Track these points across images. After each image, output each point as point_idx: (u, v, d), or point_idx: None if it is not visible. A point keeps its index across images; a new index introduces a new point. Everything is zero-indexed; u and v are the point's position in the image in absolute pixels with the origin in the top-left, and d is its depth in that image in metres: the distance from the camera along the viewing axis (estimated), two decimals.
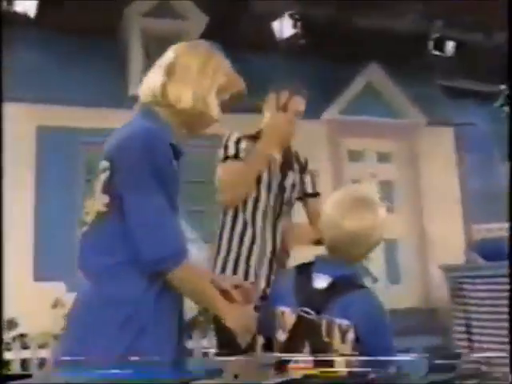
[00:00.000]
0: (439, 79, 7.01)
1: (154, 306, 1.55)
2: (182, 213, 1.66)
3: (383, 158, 6.45)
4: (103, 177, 1.60)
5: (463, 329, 4.29)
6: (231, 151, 2.47)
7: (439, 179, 6.40)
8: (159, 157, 1.56)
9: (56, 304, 4.47)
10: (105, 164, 1.61)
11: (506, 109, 7.29)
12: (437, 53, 6.33)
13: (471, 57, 6.60)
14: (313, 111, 6.01)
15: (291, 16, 5.52)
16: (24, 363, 4.17)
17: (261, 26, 5.54)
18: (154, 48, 5.39)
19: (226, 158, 2.47)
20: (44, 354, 4.17)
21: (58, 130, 5.05)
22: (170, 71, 1.70)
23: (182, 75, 1.69)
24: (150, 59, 5.36)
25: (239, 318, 1.65)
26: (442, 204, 6.34)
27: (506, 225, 5.98)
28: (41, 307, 4.42)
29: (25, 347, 4.19)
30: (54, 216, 4.91)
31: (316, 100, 6.10)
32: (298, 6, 5.53)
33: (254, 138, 2.51)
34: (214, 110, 1.73)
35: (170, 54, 1.74)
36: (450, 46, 6.33)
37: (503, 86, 7.30)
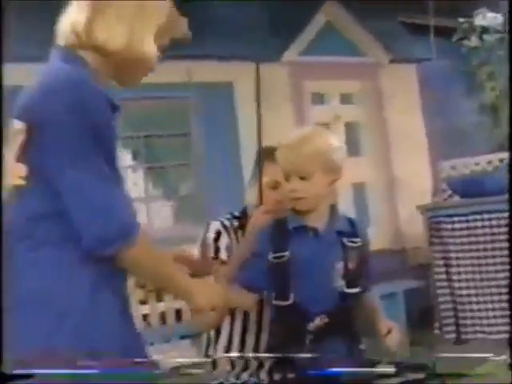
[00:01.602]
0: (399, 15, 6.83)
1: (90, 298, 1.28)
2: (138, 170, 1.39)
3: (346, 99, 6.26)
4: (16, 142, 1.28)
5: (442, 269, 4.20)
6: (210, 251, 2.09)
7: (404, 117, 6.27)
8: (94, 111, 1.25)
9: None
10: (18, 125, 1.29)
11: (466, 42, 7.17)
12: None
13: None
14: (272, 53, 5.85)
15: None
16: None
17: None
18: None
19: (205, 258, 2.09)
20: None
21: None
22: (97, 7, 1.38)
23: (114, 11, 1.39)
24: None
25: (208, 295, 1.41)
26: (407, 143, 6.23)
27: (472, 160, 5.96)
28: None
29: None
30: None
31: (275, 42, 5.86)
32: None
33: (239, 220, 2.17)
34: (152, 54, 1.44)
35: None
36: None
37: (461, 20, 7.15)
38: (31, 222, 1.26)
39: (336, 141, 1.94)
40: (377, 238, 5.82)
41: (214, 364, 2.12)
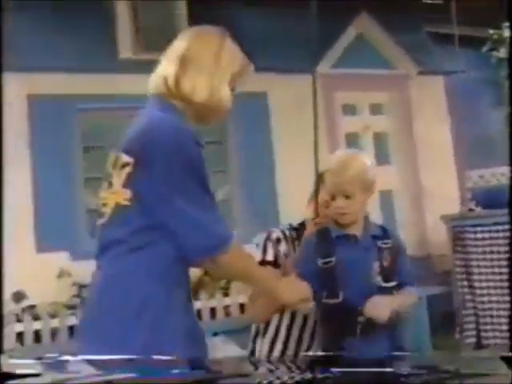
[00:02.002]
0: (427, 26, 6.95)
1: (168, 299, 1.56)
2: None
3: (376, 109, 6.42)
4: (125, 171, 1.58)
5: (464, 276, 4.38)
6: (269, 256, 2.30)
7: (432, 128, 6.41)
8: (192, 151, 1.57)
9: (61, 274, 4.47)
10: (126, 159, 1.59)
11: (495, 53, 7.26)
12: (426, 0, 6.27)
13: (459, 1, 6.53)
14: (305, 65, 6.02)
15: None
16: (36, 334, 4.19)
17: None
18: (141, 9, 5.25)
19: (263, 261, 2.29)
20: (55, 323, 4.20)
21: (49, 98, 4.93)
22: (182, 62, 1.67)
23: (196, 67, 1.66)
24: (137, 21, 5.22)
25: (294, 291, 1.68)
26: (435, 153, 6.37)
27: (499, 170, 6.07)
28: (46, 278, 4.42)
29: (36, 318, 4.20)
30: (53, 186, 4.85)
31: (308, 54, 6.04)
32: None
33: (297, 231, 2.39)
34: (228, 100, 1.72)
35: (180, 44, 1.70)
36: None
37: (491, 31, 7.24)
38: (128, 232, 1.55)
39: (369, 160, 2.29)
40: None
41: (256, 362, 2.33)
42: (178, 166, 1.54)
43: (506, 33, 7.40)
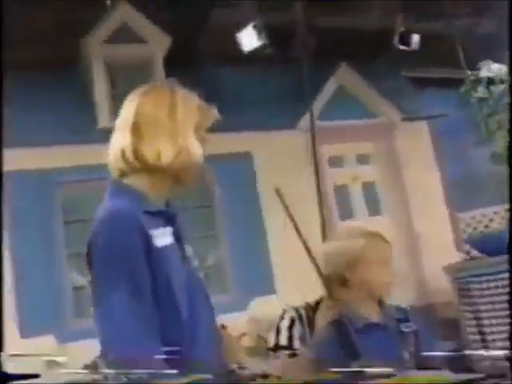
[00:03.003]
0: (405, 71, 6.99)
1: None
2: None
3: (363, 159, 6.35)
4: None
5: (475, 329, 4.20)
6: (283, 340, 2.09)
7: (420, 174, 6.34)
8: (121, 245, 1.35)
9: (49, 365, 4.20)
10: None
11: (474, 93, 7.30)
12: (403, 47, 6.29)
13: (434, 46, 6.59)
14: (288, 121, 5.98)
15: (255, 27, 5.36)
16: None
17: (225, 39, 5.38)
18: (118, 75, 5.18)
19: (276, 346, 2.10)
20: None
21: (29, 173, 4.79)
22: (136, 130, 1.47)
23: (153, 130, 1.47)
24: (115, 88, 5.14)
25: None
26: (426, 198, 6.28)
27: (491, 209, 5.98)
28: (34, 366, 4.15)
29: None
30: (35, 264, 4.64)
31: (290, 109, 6.01)
32: (261, 15, 5.39)
33: (314, 310, 2.15)
34: (198, 153, 1.52)
35: (129, 111, 1.50)
36: (415, 38, 6.30)
37: (468, 72, 7.30)
38: None
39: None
40: (402, 295, 5.83)
41: None
42: (102, 262, 1.35)
43: (482, 73, 7.48)
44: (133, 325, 1.32)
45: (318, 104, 6.02)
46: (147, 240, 1.37)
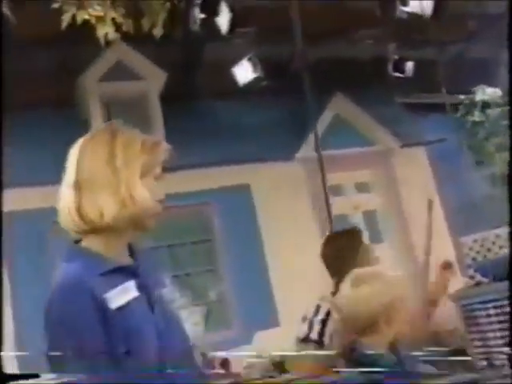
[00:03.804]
0: (400, 98, 7.04)
1: None
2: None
3: (362, 188, 6.35)
4: None
5: (485, 356, 4.12)
6: (314, 334, 2.10)
7: (421, 199, 6.32)
8: (71, 314, 1.30)
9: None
10: None
11: (470, 117, 7.35)
12: (397, 74, 6.34)
13: (428, 72, 6.65)
14: (286, 152, 5.99)
15: (250, 60, 5.40)
16: None
17: (220, 74, 5.42)
18: (114, 113, 5.20)
19: (307, 338, 2.12)
20: None
21: (28, 213, 4.77)
22: (77, 187, 1.37)
23: (92, 186, 1.37)
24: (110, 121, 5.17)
25: None
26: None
27: (492, 232, 5.95)
28: None
29: None
30: (33, 304, 4.59)
31: (287, 140, 6.03)
32: (256, 49, 5.44)
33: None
34: (148, 198, 1.39)
35: (70, 167, 1.41)
36: (409, 66, 6.36)
37: (462, 96, 7.36)
38: None
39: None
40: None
41: None
42: (62, 337, 1.29)
43: (477, 97, 7.55)
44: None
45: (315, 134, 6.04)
46: (100, 304, 1.31)
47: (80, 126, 5.23)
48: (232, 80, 5.36)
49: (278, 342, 3.38)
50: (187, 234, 5.29)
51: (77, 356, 1.25)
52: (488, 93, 7.53)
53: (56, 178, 4.85)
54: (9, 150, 4.71)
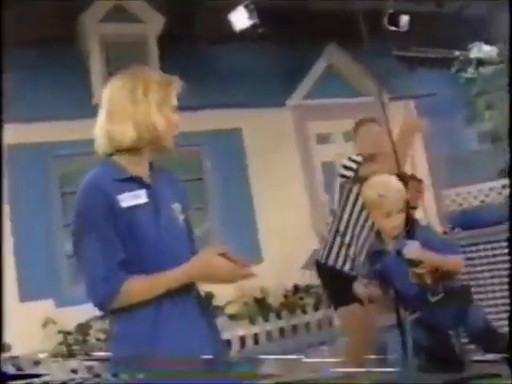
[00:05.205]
0: (395, 51, 7.10)
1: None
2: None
3: (350, 137, 6.48)
4: None
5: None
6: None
7: None
8: (92, 205, 1.64)
9: (46, 323, 4.45)
10: None
11: (463, 74, 7.42)
12: (392, 28, 6.42)
13: (424, 26, 6.71)
14: (278, 99, 6.14)
15: (246, 7, 5.51)
16: None
17: (218, 20, 5.53)
18: (113, 54, 5.35)
19: (344, 176, 2.82)
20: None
21: (27, 147, 4.98)
22: (108, 114, 1.69)
23: (118, 114, 1.68)
24: (110, 66, 5.32)
25: (203, 265, 1.65)
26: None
27: (474, 187, 6.14)
28: (31, 328, 4.40)
29: (18, 369, 4.17)
30: (33, 233, 4.87)
31: (280, 87, 6.17)
32: None
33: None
34: (164, 127, 1.69)
35: (104, 97, 1.73)
36: (404, 19, 6.43)
37: (458, 53, 7.42)
38: None
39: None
40: None
41: None
42: (79, 221, 1.65)
43: (472, 54, 7.58)
44: (97, 259, 1.62)
45: (307, 83, 6.19)
46: (110, 202, 1.63)
47: (79, 66, 5.40)
48: (229, 25, 5.48)
49: (260, 277, 3.63)
50: (180, 172, 5.51)
51: (89, 232, 1.62)
52: (484, 50, 7.56)
53: (55, 114, 5.06)
54: (9, 86, 4.92)
